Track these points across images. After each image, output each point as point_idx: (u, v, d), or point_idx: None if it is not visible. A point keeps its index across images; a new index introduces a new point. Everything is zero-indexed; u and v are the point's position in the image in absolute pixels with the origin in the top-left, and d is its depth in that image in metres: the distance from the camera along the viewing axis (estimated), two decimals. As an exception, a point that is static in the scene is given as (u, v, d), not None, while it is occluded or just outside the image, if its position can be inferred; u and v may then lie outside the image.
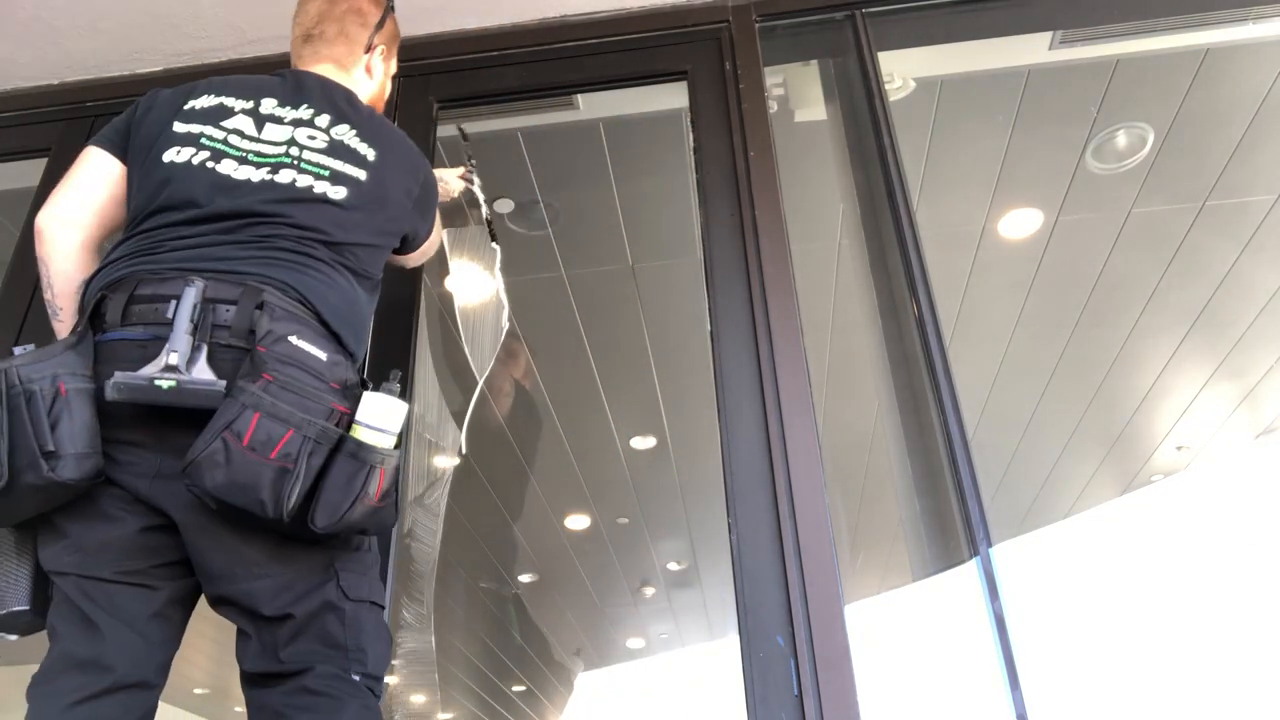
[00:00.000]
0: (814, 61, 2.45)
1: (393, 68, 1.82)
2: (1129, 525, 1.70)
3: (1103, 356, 3.74)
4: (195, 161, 1.42)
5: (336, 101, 1.55)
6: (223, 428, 1.17)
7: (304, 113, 1.51)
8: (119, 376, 1.20)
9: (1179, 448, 4.38)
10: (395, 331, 2.05)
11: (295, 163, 1.44)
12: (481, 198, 2.09)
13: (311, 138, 1.48)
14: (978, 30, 2.46)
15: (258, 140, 1.46)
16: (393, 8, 1.79)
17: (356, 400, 1.29)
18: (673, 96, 2.41)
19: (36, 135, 2.53)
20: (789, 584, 1.64)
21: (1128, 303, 3.47)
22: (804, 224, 2.22)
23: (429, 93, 2.38)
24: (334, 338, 1.36)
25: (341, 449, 1.23)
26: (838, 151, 2.31)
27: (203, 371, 1.24)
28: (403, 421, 1.29)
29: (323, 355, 1.28)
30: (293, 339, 1.26)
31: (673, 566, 5.69)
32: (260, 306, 1.28)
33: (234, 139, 1.45)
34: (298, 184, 1.42)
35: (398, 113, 2.35)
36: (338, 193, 1.44)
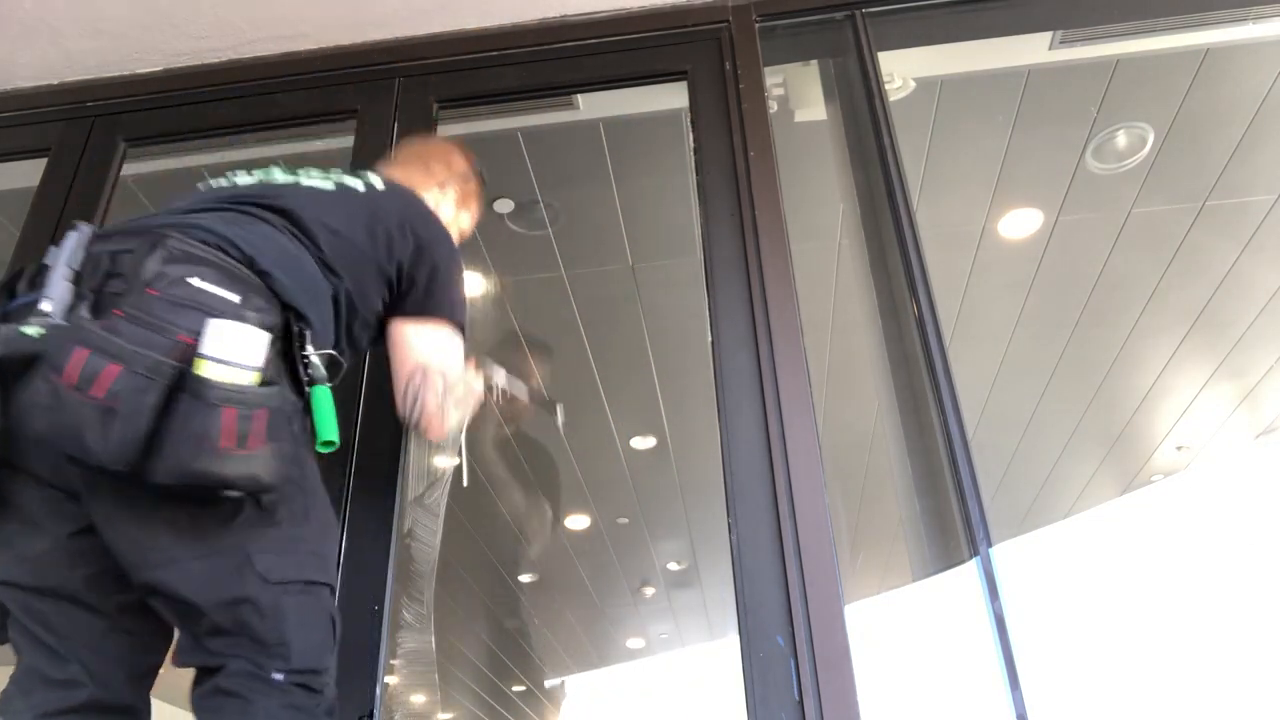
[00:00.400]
0: (814, 61, 2.45)
1: (464, 221, 1.86)
2: (1129, 525, 1.70)
3: (1103, 356, 3.74)
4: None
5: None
6: (48, 368, 1.05)
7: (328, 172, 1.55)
8: None
9: (1179, 448, 4.38)
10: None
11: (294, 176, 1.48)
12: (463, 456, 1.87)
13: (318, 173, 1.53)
14: (978, 30, 2.46)
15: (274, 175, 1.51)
16: (483, 179, 1.89)
17: (282, 353, 1.20)
18: (673, 96, 2.41)
19: (36, 135, 2.52)
20: (789, 584, 1.64)
21: (1128, 303, 3.47)
22: (804, 224, 2.22)
23: (429, 93, 2.38)
24: (259, 279, 1.23)
25: (184, 386, 1.07)
26: (838, 151, 2.31)
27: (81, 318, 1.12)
28: (263, 353, 1.13)
29: (234, 297, 1.16)
30: (193, 280, 1.14)
31: (673, 566, 5.69)
32: (153, 248, 1.17)
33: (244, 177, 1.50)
34: (281, 178, 1.45)
35: (398, 113, 2.35)
36: (324, 184, 1.46)
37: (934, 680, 1.62)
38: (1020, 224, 3.11)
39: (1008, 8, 2.44)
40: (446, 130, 2.40)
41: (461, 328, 1.53)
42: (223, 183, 1.49)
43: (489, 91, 2.43)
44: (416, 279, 1.47)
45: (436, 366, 1.47)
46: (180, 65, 2.54)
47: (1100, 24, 2.47)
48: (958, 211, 3.01)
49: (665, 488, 4.71)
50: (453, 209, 1.81)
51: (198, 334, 1.09)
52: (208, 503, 1.12)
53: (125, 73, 2.56)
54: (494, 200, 2.96)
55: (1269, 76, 2.67)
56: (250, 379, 1.10)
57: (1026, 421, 4.07)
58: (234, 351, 1.09)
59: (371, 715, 1.64)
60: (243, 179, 1.49)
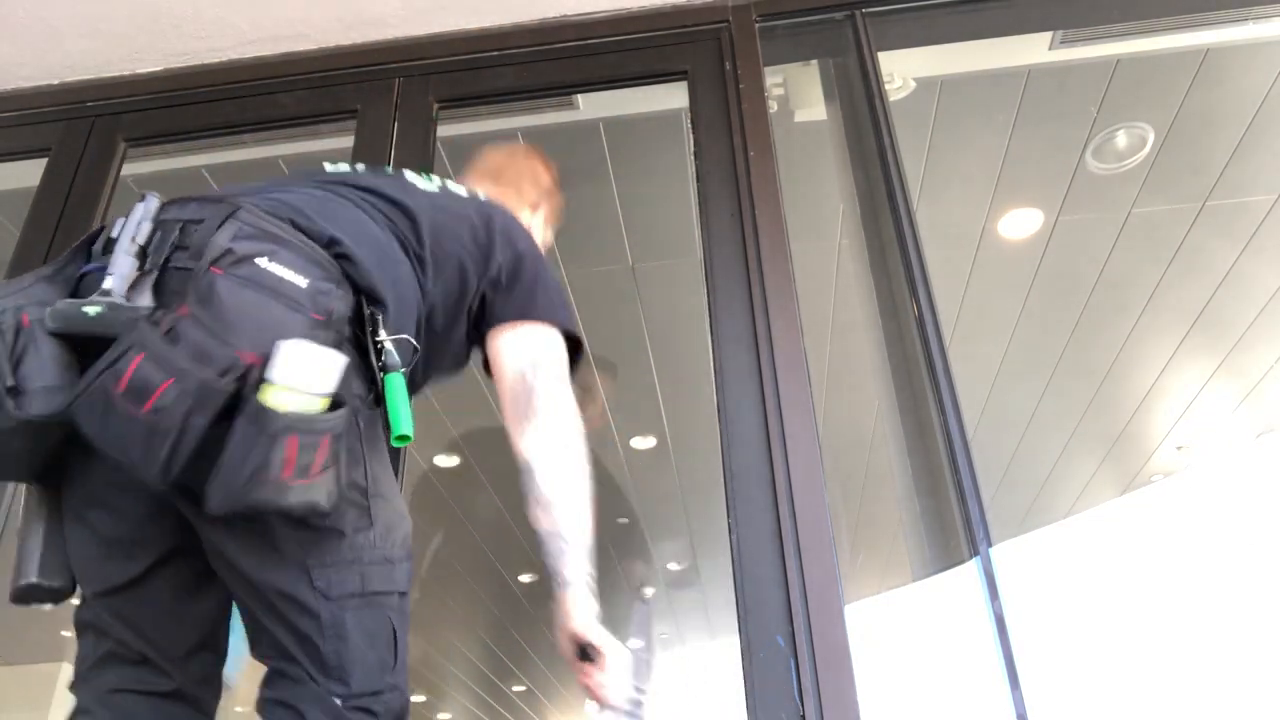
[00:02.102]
0: (814, 61, 2.45)
1: (549, 237, 1.83)
2: (1129, 525, 1.70)
3: (1103, 356, 3.74)
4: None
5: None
6: (104, 367, 0.99)
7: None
8: (56, 304, 1.06)
9: (1179, 448, 4.38)
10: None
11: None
12: None
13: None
14: (978, 30, 2.46)
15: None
16: (559, 187, 1.84)
17: (353, 339, 1.12)
18: (673, 96, 2.41)
19: (36, 135, 2.52)
20: (789, 584, 1.64)
21: (1128, 303, 3.47)
22: (804, 224, 2.22)
23: (429, 93, 2.38)
24: (336, 262, 1.15)
25: (243, 411, 0.99)
26: (838, 151, 2.31)
27: (143, 297, 1.06)
28: (336, 379, 1.04)
29: (302, 281, 1.08)
30: (261, 260, 1.07)
31: (673, 566, 5.69)
32: (224, 221, 1.09)
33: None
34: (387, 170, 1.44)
35: (398, 113, 2.35)
36: (428, 184, 1.43)
37: (934, 680, 1.62)
38: (1020, 224, 3.12)
39: (1008, 8, 2.44)
40: (446, 130, 2.40)
41: (570, 335, 1.40)
42: (335, 166, 1.45)
43: (489, 91, 2.43)
44: (519, 281, 1.39)
45: (545, 363, 1.34)
46: (180, 65, 2.54)
47: (1100, 24, 2.47)
48: (958, 211, 3.01)
49: (665, 488, 4.71)
50: (542, 228, 1.77)
51: (263, 353, 1.01)
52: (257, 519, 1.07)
53: (125, 73, 2.56)
54: (494, 200, 2.95)
55: (1269, 76, 2.67)
56: (318, 405, 1.03)
57: (1026, 421, 4.07)
58: (304, 378, 1.01)
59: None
60: (351, 167, 1.46)
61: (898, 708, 1.57)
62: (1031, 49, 2.52)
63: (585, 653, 1.23)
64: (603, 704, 1.24)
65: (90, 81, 2.57)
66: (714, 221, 2.08)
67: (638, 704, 1.25)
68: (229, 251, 1.06)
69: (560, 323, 1.39)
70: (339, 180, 1.34)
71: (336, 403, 1.05)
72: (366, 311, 1.16)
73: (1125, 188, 2.99)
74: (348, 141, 2.34)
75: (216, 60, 2.52)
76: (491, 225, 1.40)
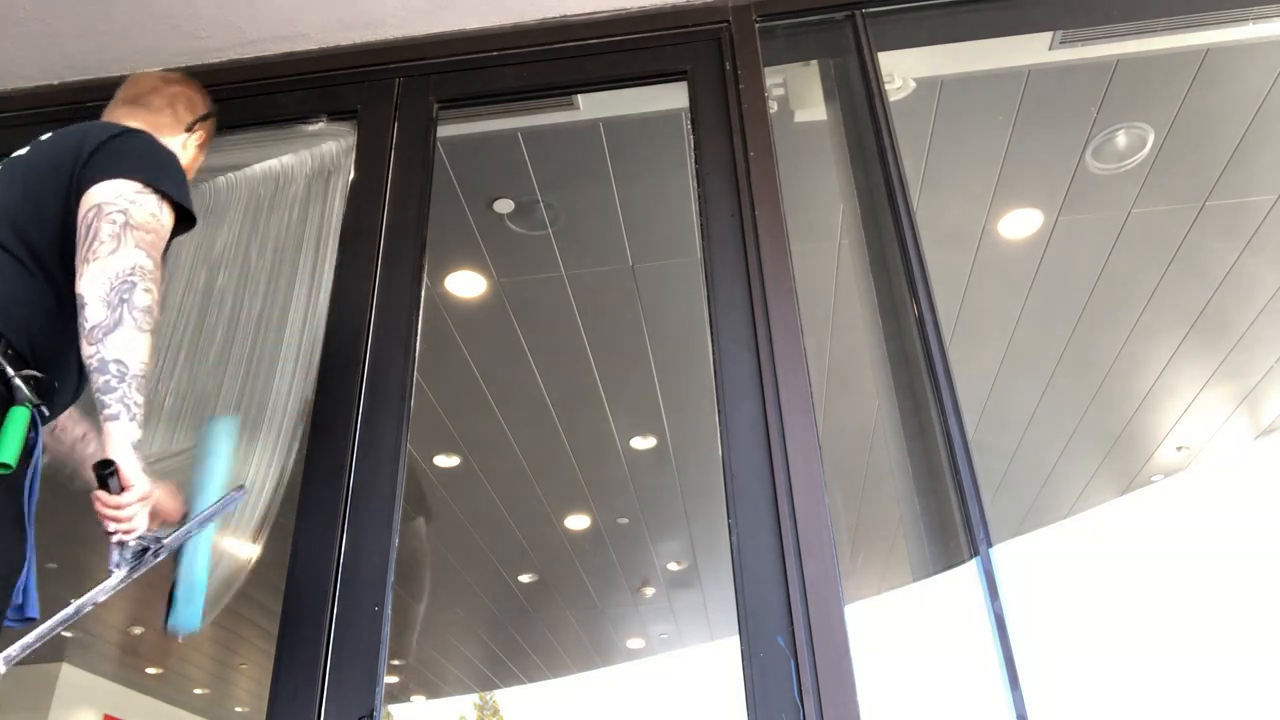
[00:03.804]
0: (814, 61, 2.45)
1: (201, 160, 1.85)
2: (1129, 525, 1.70)
3: (1103, 356, 3.74)
4: None
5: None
6: None
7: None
8: None
9: (1179, 448, 4.38)
10: (394, 337, 2.05)
11: None
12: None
13: None
14: (978, 30, 2.46)
15: None
16: (215, 115, 1.85)
17: None
18: (673, 96, 2.41)
19: (35, 136, 2.52)
20: (789, 584, 1.64)
21: (1128, 303, 3.47)
22: (804, 224, 2.22)
23: (429, 93, 2.38)
24: None
25: None
26: (838, 151, 2.31)
27: None
28: None
29: None
30: None
31: (673, 566, 5.69)
32: None
33: None
34: None
35: (398, 113, 2.35)
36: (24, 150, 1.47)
37: (934, 680, 1.62)
38: (1020, 224, 3.12)
39: (1008, 8, 2.44)
40: (446, 130, 2.40)
41: (160, 191, 1.42)
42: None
43: (489, 91, 2.43)
44: (105, 154, 1.43)
45: (115, 205, 1.36)
46: (180, 65, 2.54)
47: (1100, 24, 2.47)
48: (958, 211, 3.01)
49: (665, 488, 4.71)
50: (195, 149, 1.80)
51: None
52: None
53: (125, 73, 2.56)
54: (494, 200, 2.96)
55: (1269, 76, 2.67)
56: None
57: (1026, 421, 4.07)
58: None
59: (372, 715, 1.64)
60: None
61: (898, 708, 1.57)
62: (1031, 49, 2.52)
63: (108, 483, 1.24)
64: (116, 535, 1.28)
65: (90, 81, 2.57)
66: (714, 221, 2.08)
67: (152, 546, 1.30)
68: None
69: (144, 179, 1.40)
70: None
71: None
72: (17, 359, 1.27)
73: (1125, 188, 2.99)
74: (347, 141, 2.34)
75: (216, 60, 2.52)
76: (85, 143, 1.44)
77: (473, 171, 2.80)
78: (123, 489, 1.26)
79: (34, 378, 1.30)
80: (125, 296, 1.29)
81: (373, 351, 2.01)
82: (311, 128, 2.43)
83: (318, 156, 2.36)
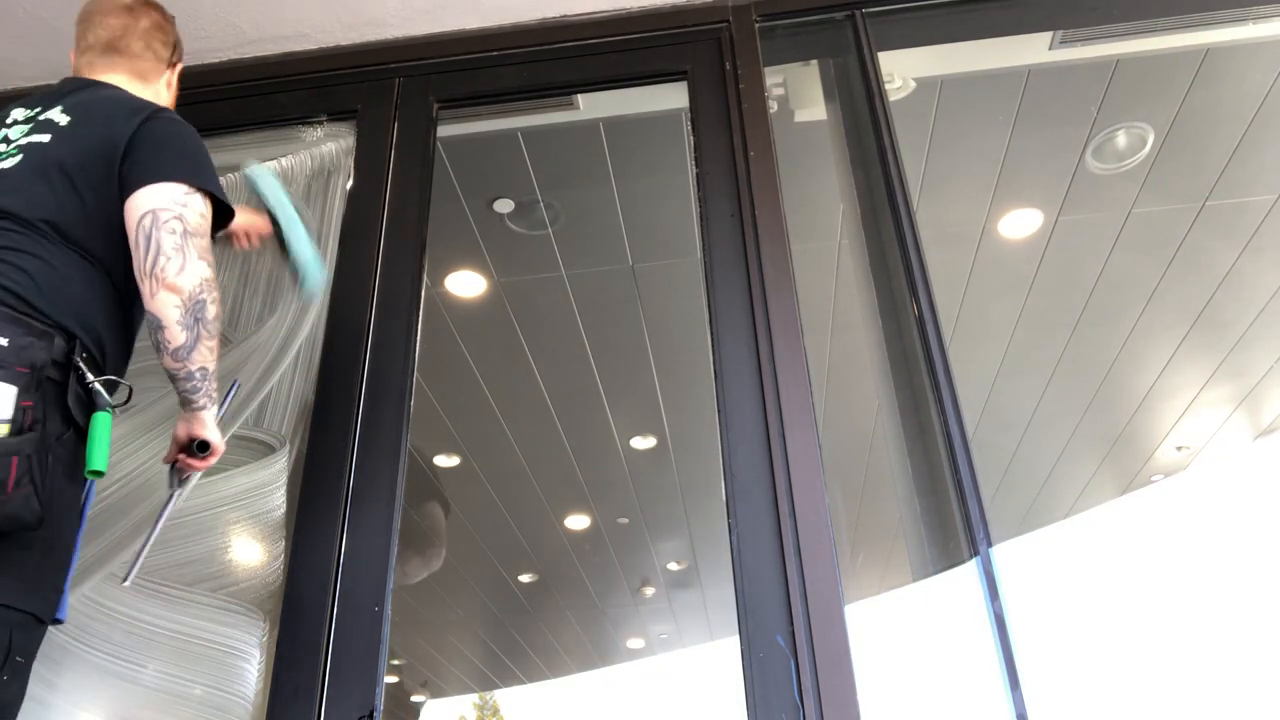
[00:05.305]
0: (814, 61, 2.45)
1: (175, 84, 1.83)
2: (1129, 525, 1.70)
3: (1103, 356, 3.74)
4: None
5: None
6: None
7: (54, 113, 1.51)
8: None
9: (1179, 448, 4.38)
10: (393, 336, 2.05)
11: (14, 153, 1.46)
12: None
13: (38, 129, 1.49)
14: (978, 30, 2.46)
15: (10, 143, 1.49)
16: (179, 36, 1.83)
17: (56, 383, 1.26)
18: (673, 96, 2.41)
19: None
20: (789, 584, 1.64)
21: (1128, 303, 3.48)
22: (804, 224, 2.22)
23: (429, 93, 2.38)
24: (29, 316, 1.29)
25: None
26: (838, 151, 2.31)
27: None
28: (9, 406, 1.20)
29: (3, 340, 1.22)
30: None
31: (673, 566, 5.69)
32: None
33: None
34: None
35: (398, 113, 2.35)
36: (8, 161, 1.44)
37: (934, 680, 1.62)
38: (1020, 224, 3.12)
39: (1008, 8, 2.44)
40: (446, 130, 2.40)
41: (204, 190, 1.46)
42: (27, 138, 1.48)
43: (489, 91, 2.43)
44: (149, 145, 1.45)
45: (170, 211, 1.40)
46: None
47: (1100, 24, 2.47)
48: (958, 211, 3.01)
49: (665, 488, 4.71)
50: (176, 83, 1.78)
51: None
52: None
53: (125, 73, 2.56)
54: (494, 200, 2.96)
55: (1269, 76, 2.67)
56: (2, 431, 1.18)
57: (1026, 421, 4.07)
58: None
59: (372, 715, 1.64)
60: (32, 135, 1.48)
61: (898, 708, 1.57)
62: (1031, 49, 2.52)
63: (196, 449, 1.51)
64: (185, 474, 1.57)
65: (90, 81, 2.57)
66: (714, 221, 2.08)
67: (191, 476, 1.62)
68: None
69: (188, 179, 1.44)
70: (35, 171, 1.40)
71: (20, 431, 1.19)
72: (74, 354, 1.31)
73: (1125, 188, 2.99)
74: (347, 141, 2.34)
75: (216, 60, 2.52)
76: (115, 132, 1.45)
77: (473, 171, 2.80)
78: (210, 455, 1.51)
79: (110, 382, 1.36)
80: (199, 315, 1.39)
81: (373, 351, 2.01)
82: (311, 128, 2.43)
83: (318, 156, 2.36)
